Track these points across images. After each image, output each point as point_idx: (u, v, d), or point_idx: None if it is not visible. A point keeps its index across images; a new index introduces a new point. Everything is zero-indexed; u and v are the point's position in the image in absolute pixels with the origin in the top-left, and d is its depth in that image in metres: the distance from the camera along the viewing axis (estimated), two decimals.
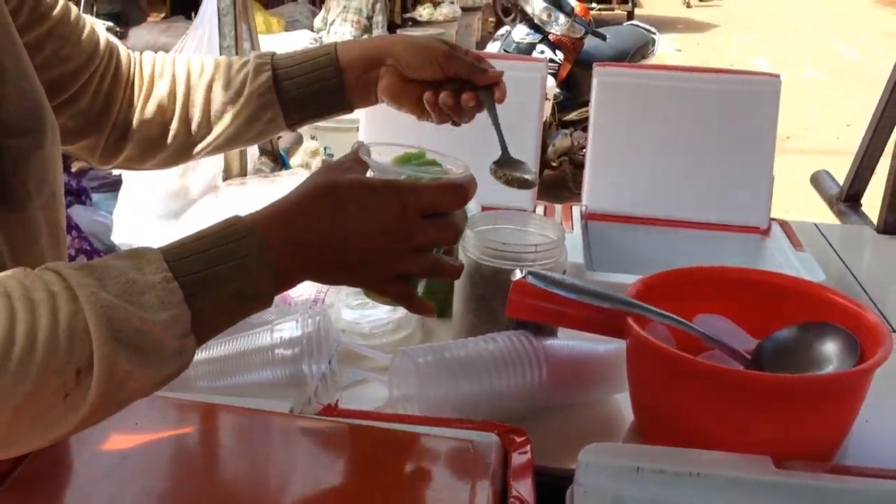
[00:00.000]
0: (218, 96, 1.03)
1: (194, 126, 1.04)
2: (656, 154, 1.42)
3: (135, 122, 1.04)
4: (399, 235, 0.74)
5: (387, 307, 1.10)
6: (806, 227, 1.50)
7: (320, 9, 8.40)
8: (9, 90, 0.84)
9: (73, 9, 1.00)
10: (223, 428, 0.80)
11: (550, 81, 4.61)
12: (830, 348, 0.88)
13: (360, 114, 4.37)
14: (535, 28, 5.03)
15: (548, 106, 4.63)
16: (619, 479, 0.76)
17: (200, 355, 0.90)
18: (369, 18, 7.19)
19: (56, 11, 0.97)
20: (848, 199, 1.75)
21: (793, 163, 4.39)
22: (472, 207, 1.16)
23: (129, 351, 0.62)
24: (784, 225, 1.42)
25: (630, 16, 9.90)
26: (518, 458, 0.79)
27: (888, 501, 0.76)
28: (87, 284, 0.63)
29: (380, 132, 1.48)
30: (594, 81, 1.44)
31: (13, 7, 0.90)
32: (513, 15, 8.08)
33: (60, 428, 0.62)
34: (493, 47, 5.19)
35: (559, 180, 5.01)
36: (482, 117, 1.04)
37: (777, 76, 1.42)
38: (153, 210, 1.46)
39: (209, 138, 1.05)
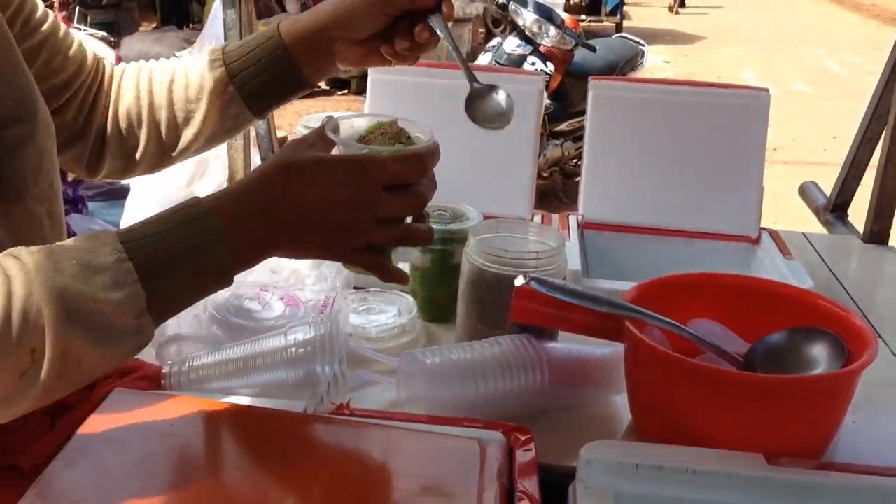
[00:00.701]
0: (180, 100, 1.03)
1: (163, 130, 1.04)
2: (650, 165, 1.47)
3: (108, 131, 1.06)
4: (361, 207, 0.76)
5: (391, 313, 1.14)
6: (794, 237, 1.54)
7: None
8: (4, 83, 0.86)
9: (62, 26, 1.03)
10: (241, 426, 0.83)
11: None
12: (819, 351, 0.92)
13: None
14: (526, 40, 5.08)
15: None
16: (619, 475, 0.80)
17: (217, 357, 0.93)
18: None
19: (46, 26, 1.00)
20: (835, 209, 1.80)
21: (780, 174, 4.45)
22: (473, 217, 1.20)
23: (83, 331, 0.66)
24: (773, 234, 1.46)
25: (619, 28, 9.97)
26: (523, 456, 0.83)
27: (875, 496, 0.79)
28: (43, 267, 0.66)
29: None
30: (590, 94, 1.49)
31: (7, 18, 0.93)
32: (503, 26, 8.14)
33: (19, 404, 0.66)
34: (484, 58, 5.23)
35: (550, 190, 5.05)
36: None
37: (766, 90, 1.47)
38: None
39: (184, 140, 1.05)
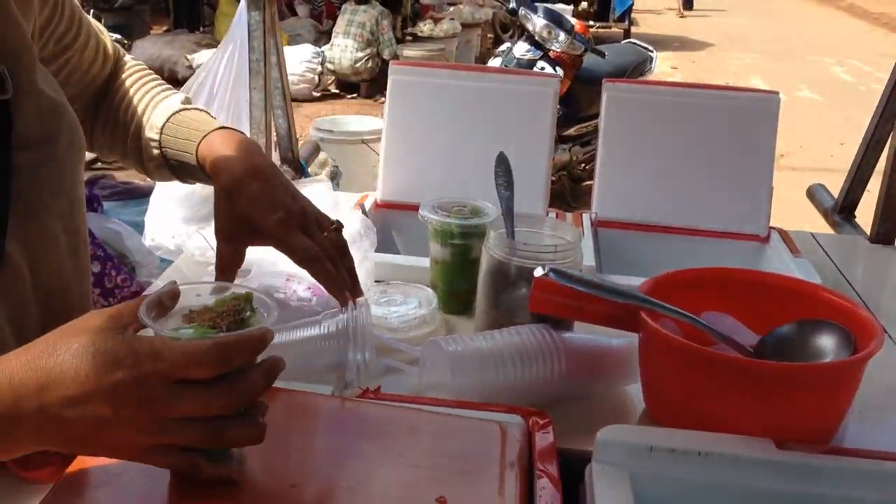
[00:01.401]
0: (134, 151, 1.11)
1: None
2: (662, 165, 1.51)
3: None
4: (131, 404, 0.65)
5: (412, 305, 1.18)
6: (803, 237, 1.58)
7: (322, 24, 8.51)
8: (24, 103, 0.89)
9: (90, 33, 1.08)
10: (277, 408, 0.87)
11: None
12: (827, 342, 0.95)
13: (370, 124, 4.41)
14: (536, 45, 5.12)
15: None
16: (634, 458, 0.83)
17: None
18: (372, 33, 7.29)
19: (79, 42, 1.05)
20: (842, 210, 1.83)
21: (788, 179, 4.48)
22: (491, 213, 1.23)
23: None
24: (783, 233, 1.49)
25: (627, 34, 10.02)
26: (542, 438, 0.86)
27: (881, 480, 0.83)
28: None
29: (399, 143, 1.56)
30: (603, 96, 1.53)
31: (42, 32, 0.98)
32: (511, 32, 8.19)
33: None
34: (494, 63, 5.28)
35: (557, 194, 5.09)
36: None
37: (776, 93, 1.50)
38: (183, 215, 1.53)
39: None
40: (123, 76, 1.13)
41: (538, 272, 0.97)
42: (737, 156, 1.49)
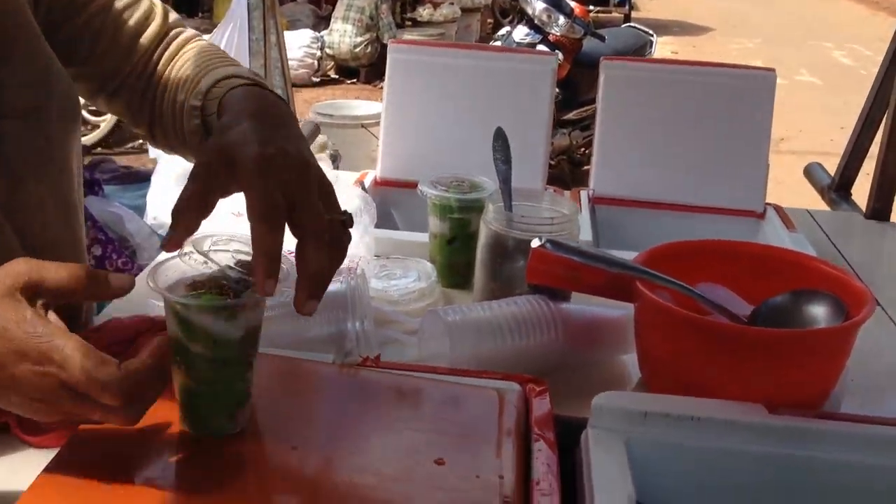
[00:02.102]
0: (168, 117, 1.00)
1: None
2: (659, 142, 1.52)
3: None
4: (27, 394, 0.65)
5: (412, 278, 1.19)
6: (799, 213, 1.59)
7: (321, 9, 8.50)
8: (11, 72, 0.88)
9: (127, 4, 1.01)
10: (273, 374, 0.88)
11: None
12: (819, 311, 0.96)
13: (370, 108, 4.42)
14: (536, 29, 5.12)
15: None
16: (629, 423, 0.84)
17: None
18: (372, 18, 7.28)
19: (94, 6, 0.99)
20: (839, 188, 1.85)
21: (786, 163, 4.49)
22: (489, 188, 1.25)
23: None
24: (778, 209, 1.51)
25: (627, 18, 9.99)
26: (539, 404, 0.88)
27: (869, 443, 0.84)
28: None
29: (398, 122, 1.57)
30: (602, 74, 1.54)
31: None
32: (511, 17, 8.17)
33: None
34: None
35: (557, 179, 5.09)
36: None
37: (772, 70, 1.52)
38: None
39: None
40: (181, 41, 1.03)
41: (535, 243, 0.98)
42: (733, 133, 1.51)
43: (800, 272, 1.03)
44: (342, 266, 0.84)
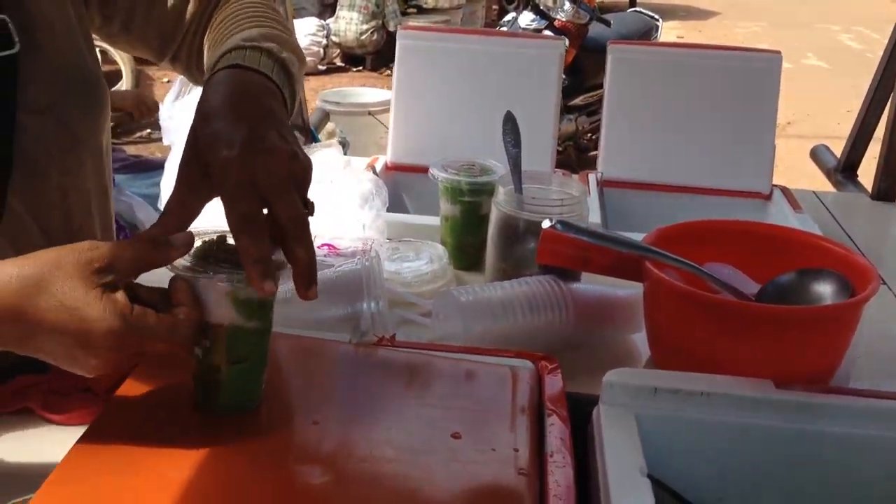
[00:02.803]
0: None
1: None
2: (667, 125, 1.54)
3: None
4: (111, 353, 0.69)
5: (424, 260, 1.21)
6: (805, 195, 1.61)
7: None
8: (39, 70, 0.89)
9: None
10: (291, 354, 0.91)
11: None
12: (826, 289, 0.98)
13: (377, 96, 4.42)
14: (541, 14, 5.11)
15: None
16: (640, 399, 0.86)
17: None
18: (378, 5, 7.27)
19: None
20: (845, 169, 1.86)
21: (794, 147, 4.49)
22: (499, 171, 1.26)
23: None
24: (785, 191, 1.53)
25: (632, 3, 9.94)
26: (551, 381, 0.90)
27: (875, 416, 0.86)
28: None
29: (408, 107, 1.59)
30: (609, 58, 1.55)
31: None
32: (516, 2, 8.14)
33: None
34: None
35: (563, 165, 5.08)
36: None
37: (778, 52, 1.53)
38: None
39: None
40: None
41: (545, 224, 1.00)
42: (740, 115, 1.52)
43: (806, 251, 1.05)
44: (357, 247, 0.86)
